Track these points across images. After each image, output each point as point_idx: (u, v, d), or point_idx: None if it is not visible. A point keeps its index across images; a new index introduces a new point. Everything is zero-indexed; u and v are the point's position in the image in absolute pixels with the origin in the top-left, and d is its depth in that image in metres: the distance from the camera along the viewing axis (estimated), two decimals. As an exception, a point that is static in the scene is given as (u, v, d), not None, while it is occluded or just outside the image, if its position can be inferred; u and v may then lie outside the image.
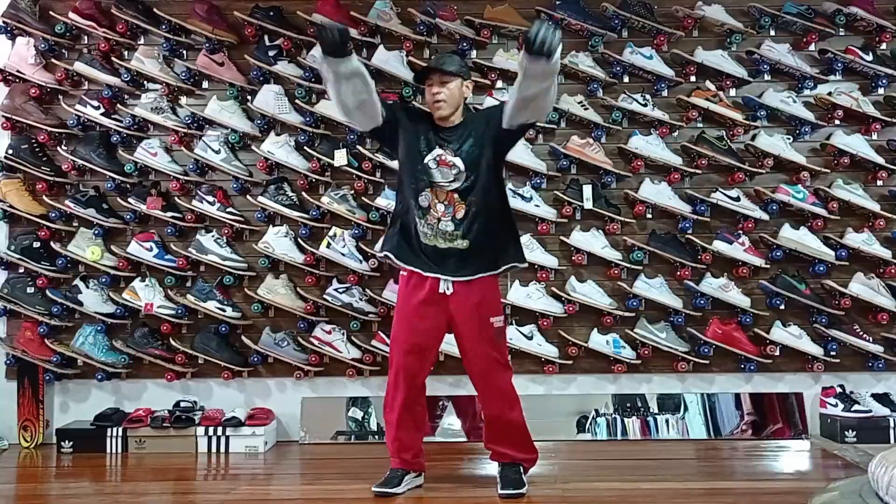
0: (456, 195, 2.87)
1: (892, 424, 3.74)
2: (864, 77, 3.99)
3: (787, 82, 4.00)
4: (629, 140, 3.93)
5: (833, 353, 3.85)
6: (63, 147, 4.01)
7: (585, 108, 3.93)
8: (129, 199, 3.95)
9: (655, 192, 3.89)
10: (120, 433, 3.79)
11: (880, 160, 3.90)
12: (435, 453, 3.30)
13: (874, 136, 3.96)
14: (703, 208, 3.91)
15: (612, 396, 3.97)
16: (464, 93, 2.97)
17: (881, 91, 3.98)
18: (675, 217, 3.93)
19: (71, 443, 3.81)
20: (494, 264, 2.93)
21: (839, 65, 3.95)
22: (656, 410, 3.94)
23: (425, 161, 2.89)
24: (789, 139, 3.93)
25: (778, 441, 3.82)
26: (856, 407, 3.77)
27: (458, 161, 2.87)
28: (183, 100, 4.05)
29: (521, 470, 2.92)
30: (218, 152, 3.93)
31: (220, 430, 3.78)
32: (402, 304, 2.96)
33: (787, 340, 3.85)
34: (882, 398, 3.83)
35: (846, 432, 3.72)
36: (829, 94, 3.93)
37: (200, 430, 3.79)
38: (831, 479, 3.02)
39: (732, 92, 4.00)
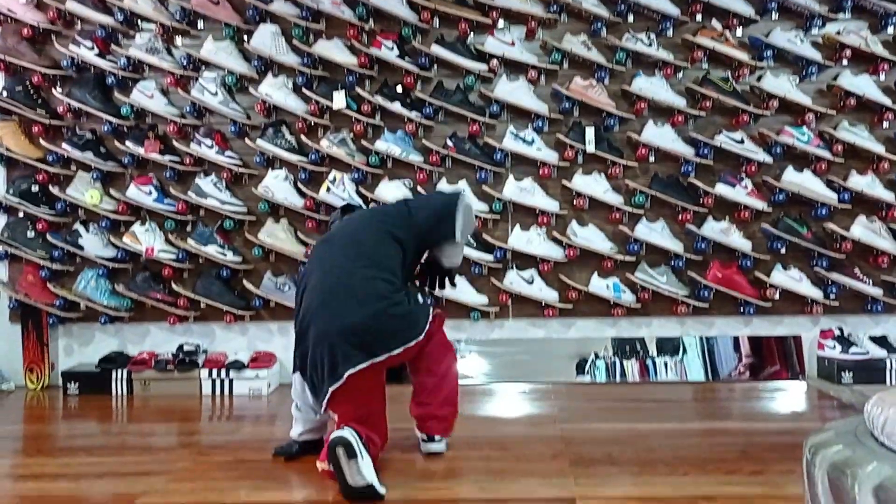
0: None
1: (888, 366, 3.77)
2: (874, 15, 3.90)
3: (795, 21, 3.92)
4: (632, 81, 3.87)
5: (832, 297, 3.86)
6: (58, 89, 3.95)
7: (589, 49, 3.86)
8: (127, 143, 3.91)
9: (658, 134, 3.85)
10: (125, 376, 3.84)
11: (887, 101, 3.84)
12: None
13: (882, 77, 3.89)
14: (706, 151, 3.87)
15: (611, 340, 4.00)
16: None
17: (890, 30, 3.90)
18: (677, 160, 3.90)
19: (77, 384, 3.86)
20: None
21: (848, 2, 3.86)
22: (655, 353, 3.98)
23: None
24: (795, 80, 3.86)
25: (775, 382, 3.87)
26: (853, 349, 3.80)
27: None
28: (178, 40, 3.98)
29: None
30: (215, 94, 3.87)
31: (223, 372, 3.83)
32: None
33: (787, 284, 3.85)
34: (880, 340, 3.86)
35: (843, 374, 3.75)
36: (838, 32, 3.85)
37: (204, 372, 3.84)
38: (827, 420, 3.07)
39: (739, 32, 3.92)
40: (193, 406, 3.66)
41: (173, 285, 3.93)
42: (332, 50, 3.84)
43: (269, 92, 3.87)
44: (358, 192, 3.87)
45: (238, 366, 3.83)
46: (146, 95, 3.90)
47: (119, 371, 3.84)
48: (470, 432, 2.98)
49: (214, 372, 3.83)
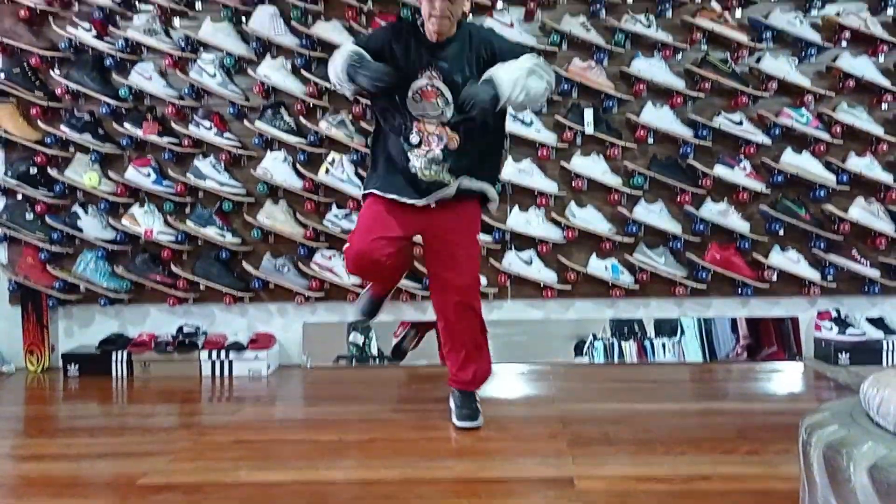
0: (448, 128, 2.69)
1: (885, 347, 3.79)
2: (874, -4, 3.89)
3: (794, 2, 3.90)
4: (631, 63, 3.86)
5: (830, 278, 3.88)
6: (56, 71, 3.94)
7: (588, 30, 3.84)
8: (125, 124, 3.90)
9: (657, 116, 3.84)
10: (125, 357, 3.86)
11: (886, 83, 3.83)
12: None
13: (881, 59, 3.88)
14: (705, 133, 3.87)
15: (609, 321, 4.01)
16: (464, 6, 2.70)
17: (890, 11, 3.88)
18: (676, 142, 3.90)
19: (77, 366, 3.88)
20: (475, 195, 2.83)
21: (849, -17, 3.85)
22: (653, 334, 3.99)
23: (410, 94, 2.67)
24: (795, 61, 3.85)
25: (772, 363, 3.89)
26: (850, 330, 3.82)
27: (446, 90, 2.66)
28: (176, 21, 3.96)
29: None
30: (213, 76, 3.86)
31: (223, 353, 3.84)
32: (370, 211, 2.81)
33: (784, 265, 3.87)
34: (876, 322, 3.88)
35: (840, 355, 3.78)
36: (837, 14, 3.84)
37: (204, 354, 3.85)
38: (823, 401, 3.09)
39: (738, 13, 3.90)
40: (193, 387, 3.68)
41: (172, 267, 3.93)
42: (331, 31, 3.82)
43: (268, 73, 3.86)
44: (357, 174, 3.86)
45: (238, 347, 3.85)
46: (144, 77, 3.88)
47: (119, 353, 3.86)
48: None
49: (214, 353, 3.85)
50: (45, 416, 3.35)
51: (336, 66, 2.65)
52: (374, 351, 4.01)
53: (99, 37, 3.88)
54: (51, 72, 3.93)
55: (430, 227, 2.81)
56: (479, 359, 2.90)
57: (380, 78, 2.58)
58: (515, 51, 2.72)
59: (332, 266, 3.90)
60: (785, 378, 3.71)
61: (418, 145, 2.70)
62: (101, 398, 3.55)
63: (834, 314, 3.87)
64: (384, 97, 2.72)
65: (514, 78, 2.54)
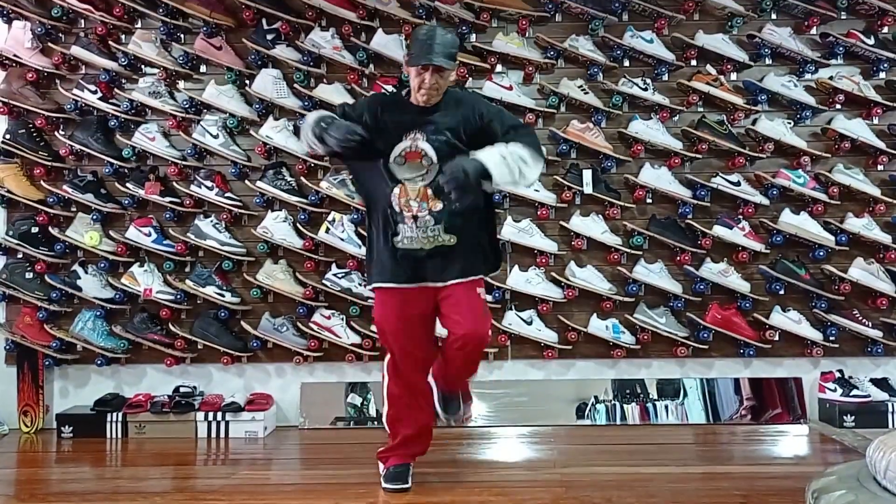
0: (430, 191, 2.66)
1: (890, 409, 3.74)
2: (866, 61, 3.96)
3: (789, 66, 3.98)
4: (629, 124, 3.91)
5: (832, 338, 3.85)
6: (61, 132, 3.99)
7: (585, 93, 3.91)
8: (128, 184, 3.93)
9: (655, 176, 3.88)
10: (120, 418, 3.80)
11: (881, 145, 3.88)
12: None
13: (875, 121, 3.94)
14: (703, 193, 3.90)
15: (611, 382, 3.97)
16: (450, 77, 2.75)
17: (882, 75, 3.96)
18: (675, 202, 3.92)
19: (71, 428, 3.82)
20: (480, 266, 2.82)
21: (840, 49, 3.93)
22: (655, 396, 3.95)
23: (393, 158, 2.68)
24: (790, 123, 3.91)
25: (777, 426, 3.83)
26: (854, 392, 3.78)
27: (430, 150, 2.66)
28: (181, 84, 4.03)
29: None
30: (216, 137, 3.91)
31: (219, 415, 3.79)
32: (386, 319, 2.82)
33: (786, 325, 3.85)
34: (881, 383, 3.83)
35: (845, 417, 3.72)
36: (831, 78, 3.91)
37: (200, 415, 3.80)
38: (829, 464, 3.03)
39: (733, 76, 3.98)
40: (188, 449, 3.61)
41: (171, 326, 3.92)
42: (333, 94, 3.89)
43: (270, 134, 3.91)
44: (357, 233, 3.88)
45: (234, 408, 3.80)
46: (148, 138, 3.93)
47: (114, 414, 3.81)
48: (469, 477, 2.95)
49: (210, 414, 3.79)
50: (37, 480, 3.29)
51: (305, 127, 2.68)
52: (373, 412, 3.95)
53: (104, 98, 3.95)
54: (56, 132, 3.99)
55: (436, 294, 2.78)
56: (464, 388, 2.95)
57: (346, 136, 2.56)
58: (502, 116, 2.78)
59: (332, 326, 3.88)
60: (790, 440, 3.65)
61: (407, 216, 2.68)
62: (95, 461, 3.48)
63: (837, 375, 3.83)
64: (367, 165, 2.73)
65: (504, 160, 2.54)
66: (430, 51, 2.60)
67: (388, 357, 2.86)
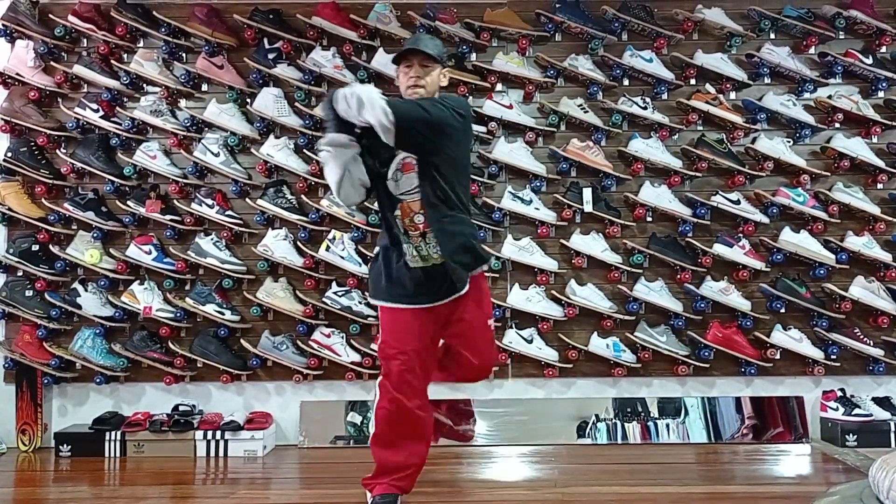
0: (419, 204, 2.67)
1: (892, 428, 3.72)
2: (864, 80, 3.98)
3: (787, 85, 4.00)
4: (629, 143, 3.92)
5: (833, 357, 3.84)
6: (62, 150, 4.00)
7: (585, 111, 3.93)
8: (128, 202, 3.94)
9: (655, 195, 3.89)
10: (118, 437, 3.78)
11: (880, 163, 3.89)
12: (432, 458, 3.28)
13: (874, 140, 3.95)
14: (703, 211, 3.90)
15: (612, 400, 3.95)
16: (441, 81, 2.77)
17: (881, 94, 3.98)
18: (675, 220, 3.93)
19: (69, 446, 3.80)
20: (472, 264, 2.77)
21: (839, 68, 3.95)
22: (657, 414, 3.93)
23: (391, 175, 2.69)
24: (789, 142, 3.92)
25: (778, 445, 3.81)
26: (856, 411, 3.76)
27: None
28: (182, 102, 4.05)
29: None
30: (217, 155, 3.92)
31: (218, 433, 3.77)
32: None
33: (787, 344, 3.84)
34: (883, 402, 3.82)
35: (847, 436, 3.70)
36: (829, 97, 3.93)
37: (199, 433, 3.78)
38: (832, 483, 3.01)
39: (732, 95, 3.99)
40: (187, 468, 3.59)
41: (170, 344, 3.91)
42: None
43: (271, 152, 3.92)
44: (357, 251, 3.88)
45: (234, 426, 3.78)
46: (149, 156, 3.95)
47: (113, 432, 3.79)
48: (469, 496, 2.93)
49: (210, 433, 3.77)
50: (34, 499, 3.26)
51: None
52: (372, 431, 3.92)
53: (106, 117, 3.97)
54: (57, 151, 4.00)
55: (446, 314, 2.78)
56: None
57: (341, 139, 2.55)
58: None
59: (331, 344, 3.87)
60: (792, 460, 3.63)
61: (414, 235, 2.67)
62: (93, 480, 3.46)
63: (839, 394, 3.81)
64: (379, 189, 2.73)
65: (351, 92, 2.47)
66: (416, 42, 2.74)
67: (380, 378, 2.78)
